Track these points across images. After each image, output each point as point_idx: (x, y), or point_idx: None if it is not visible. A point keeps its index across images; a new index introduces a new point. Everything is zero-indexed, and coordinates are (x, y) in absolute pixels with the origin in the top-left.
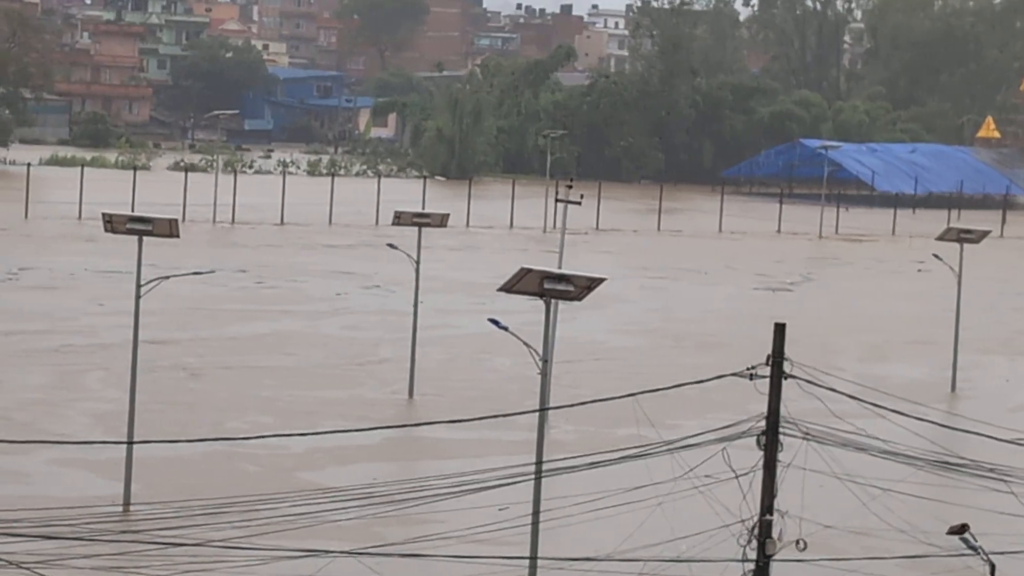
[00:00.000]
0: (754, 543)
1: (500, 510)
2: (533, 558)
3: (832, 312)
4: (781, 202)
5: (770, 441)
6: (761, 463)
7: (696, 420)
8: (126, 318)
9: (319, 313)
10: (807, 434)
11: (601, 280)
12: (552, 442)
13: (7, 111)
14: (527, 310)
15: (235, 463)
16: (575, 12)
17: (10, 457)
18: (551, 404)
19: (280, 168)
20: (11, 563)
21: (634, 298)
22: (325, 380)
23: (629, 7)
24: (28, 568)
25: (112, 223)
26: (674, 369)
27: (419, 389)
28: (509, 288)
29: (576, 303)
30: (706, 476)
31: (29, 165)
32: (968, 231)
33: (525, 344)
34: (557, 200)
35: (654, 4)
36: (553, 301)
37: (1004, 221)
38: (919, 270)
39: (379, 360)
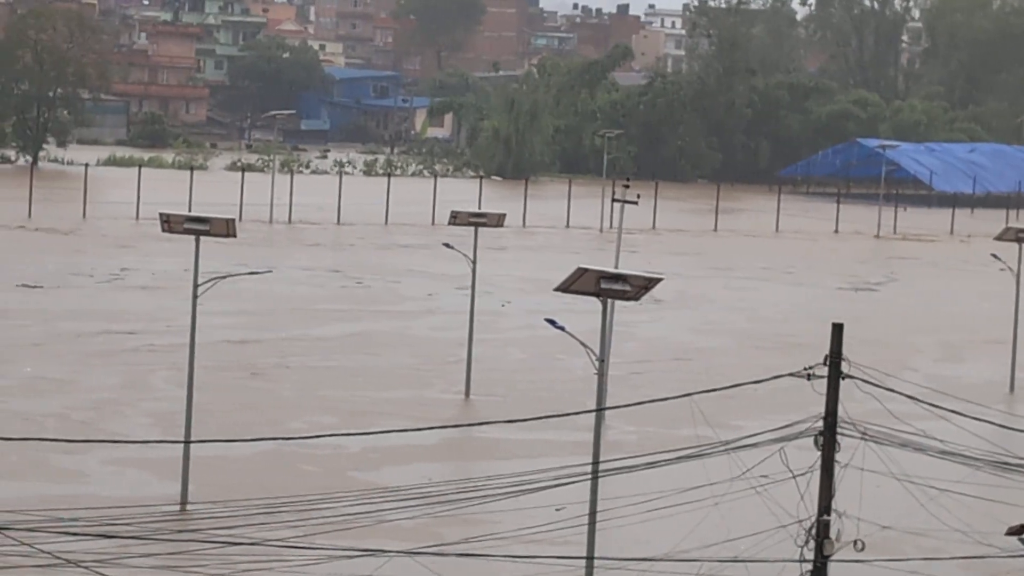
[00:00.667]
0: (811, 543)
1: (557, 510)
2: (590, 558)
3: (916, 312)
4: (839, 202)
5: (828, 441)
6: (819, 463)
7: (762, 420)
8: (220, 318)
9: (411, 313)
10: (864, 434)
11: (658, 280)
12: (611, 443)
13: (65, 112)
14: (621, 310)
15: (292, 463)
16: (632, 12)
17: (68, 456)
18: (614, 404)
19: (336, 168)
20: (70, 562)
21: (720, 298)
22: (394, 380)
23: (686, 6)
24: (87, 567)
25: (169, 223)
26: (753, 370)
27: (488, 389)
28: (566, 288)
29: (664, 303)
30: (762, 476)
31: (87, 166)
32: None
33: (582, 344)
34: (614, 200)
35: (711, 3)
36: (610, 301)
37: None
38: (1001, 270)
39: (456, 360)
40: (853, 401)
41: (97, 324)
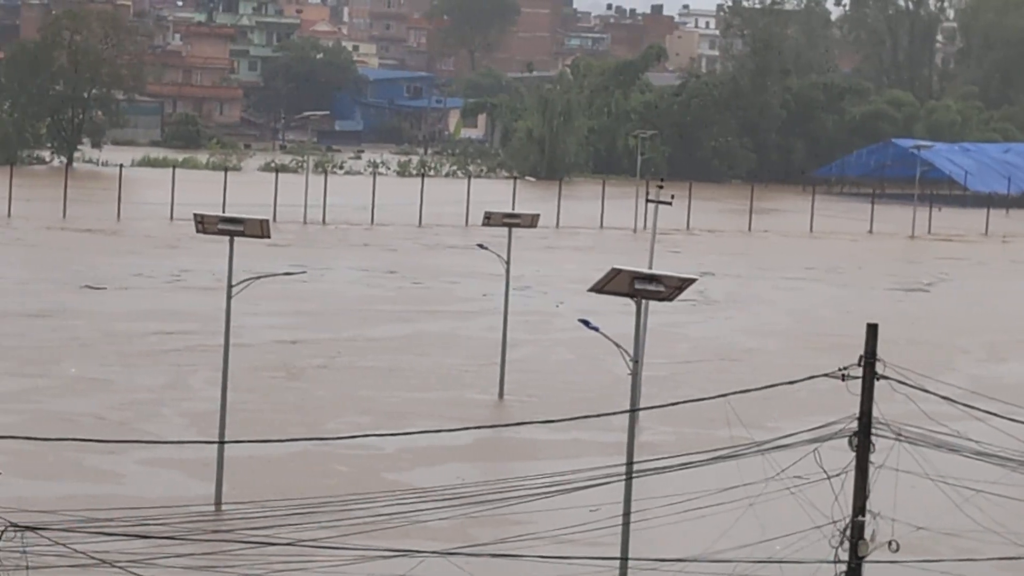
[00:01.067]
0: (846, 544)
1: (591, 511)
2: (624, 559)
3: (965, 312)
4: (873, 202)
5: (862, 442)
6: (853, 464)
7: (802, 421)
8: (275, 319)
9: (466, 314)
10: (899, 435)
11: (692, 280)
12: (646, 444)
13: (100, 113)
14: (674, 311)
15: (326, 463)
16: (666, 12)
17: (103, 457)
18: (653, 405)
19: (370, 169)
20: (104, 562)
21: (771, 298)
22: (433, 381)
23: (720, 7)
24: (121, 567)
25: (204, 223)
26: (801, 371)
27: (527, 390)
28: (599, 288)
29: (717, 304)
30: (795, 477)
31: (121, 166)
32: None
33: (616, 345)
34: (648, 200)
35: (745, 4)
36: (644, 301)
37: None
38: None
39: (506, 361)
40: (894, 402)
41: (153, 324)
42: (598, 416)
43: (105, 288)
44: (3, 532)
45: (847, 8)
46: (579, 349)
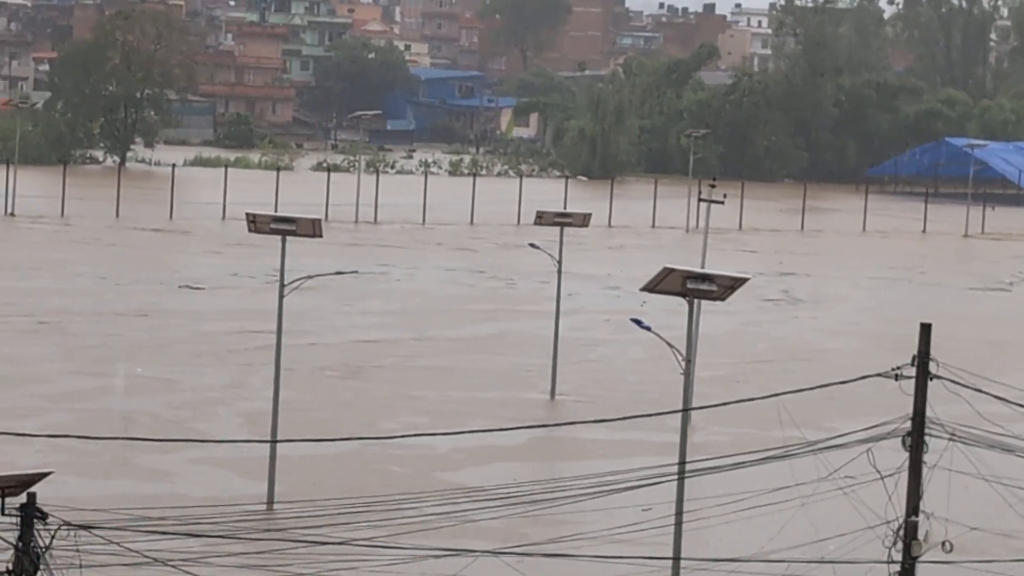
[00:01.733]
0: (899, 545)
1: (644, 511)
2: (676, 559)
3: None
4: (927, 201)
5: (915, 442)
6: (906, 464)
7: (860, 421)
8: (370, 318)
9: (551, 313)
10: (953, 435)
11: (744, 280)
12: (699, 444)
13: (152, 112)
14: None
15: (379, 462)
16: (718, 11)
17: (157, 455)
18: (704, 405)
19: (422, 168)
20: (157, 560)
21: (852, 297)
22: (497, 381)
23: (772, 5)
24: (174, 566)
25: (256, 223)
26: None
27: (587, 390)
28: (652, 288)
29: (802, 303)
30: (846, 477)
31: (174, 166)
32: None
33: (668, 344)
34: (700, 199)
35: (798, 3)
36: (697, 301)
37: None
38: None
39: (577, 361)
40: (951, 403)
41: (241, 324)
42: (647, 416)
43: (203, 288)
44: (57, 531)
45: (900, 6)
46: (654, 349)
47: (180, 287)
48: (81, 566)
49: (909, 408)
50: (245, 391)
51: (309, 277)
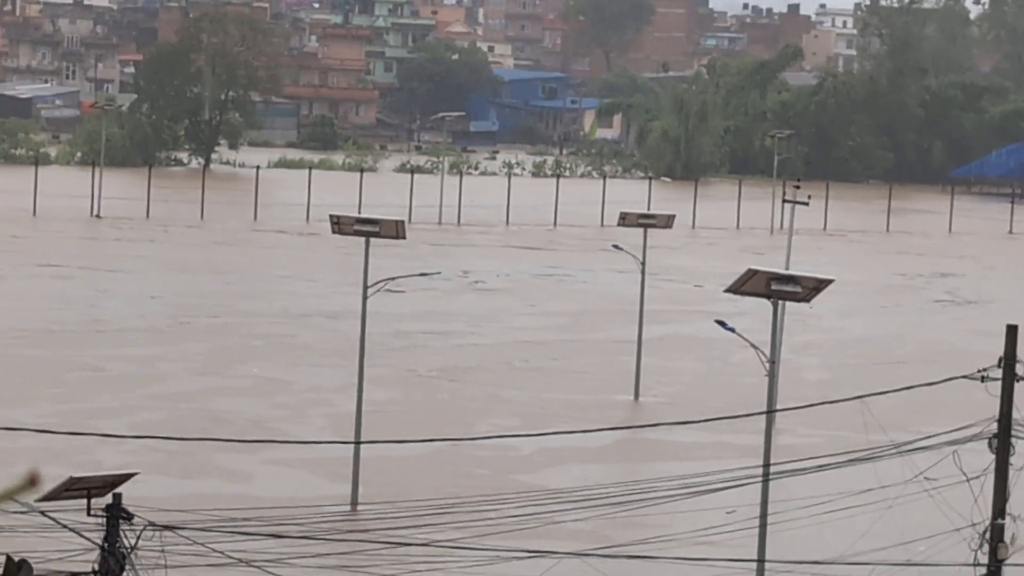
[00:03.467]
0: (985, 547)
1: (727, 513)
2: (761, 560)
3: None
4: (1013, 202)
5: (1002, 444)
6: (993, 466)
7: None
8: (550, 319)
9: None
10: None
11: (829, 281)
12: (785, 446)
13: (237, 114)
14: (923, 311)
15: (464, 464)
16: (802, 11)
17: (242, 456)
18: (788, 407)
19: (505, 169)
20: (242, 561)
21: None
22: (596, 382)
23: (857, 6)
24: (259, 567)
25: (339, 224)
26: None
27: (685, 392)
28: (736, 289)
29: (971, 304)
30: (925, 478)
31: (258, 168)
32: None
33: (752, 346)
34: (784, 201)
35: (883, 3)
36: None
37: None
38: None
39: (672, 361)
40: None
41: (422, 325)
42: (730, 418)
43: (403, 291)
44: (142, 531)
45: (986, 6)
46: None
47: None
48: (167, 567)
49: (995, 410)
50: (350, 394)
51: (392, 279)
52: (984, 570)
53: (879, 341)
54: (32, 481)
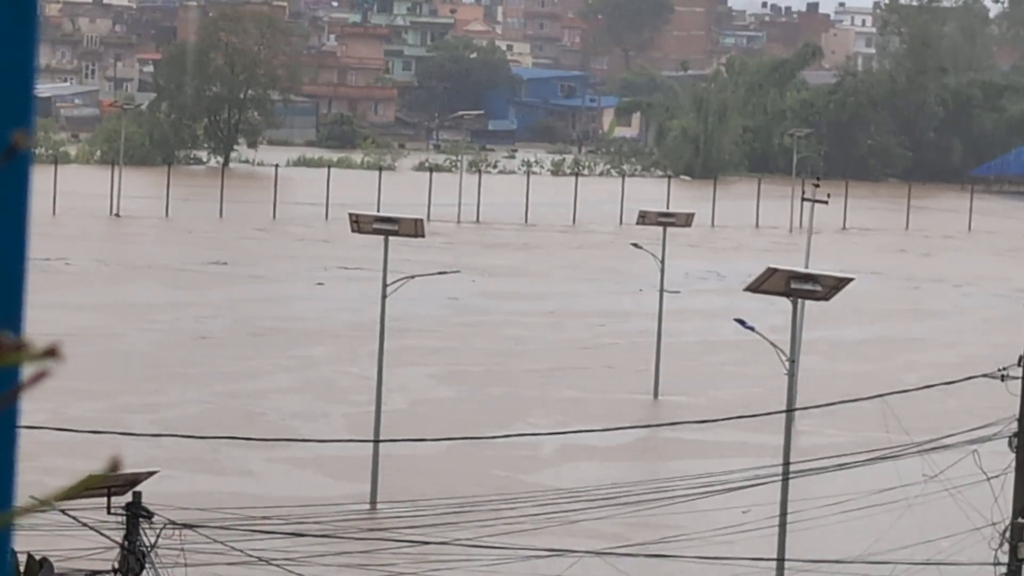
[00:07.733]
0: (1005, 546)
1: (743, 512)
2: (780, 560)
3: None
4: None
5: (1021, 443)
6: (1013, 466)
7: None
8: (562, 319)
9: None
10: None
11: (848, 280)
12: (806, 445)
13: (255, 113)
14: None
15: (483, 463)
16: (822, 10)
17: (262, 453)
18: (808, 406)
19: (524, 168)
20: (262, 560)
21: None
22: (630, 383)
23: (877, 4)
24: (278, 565)
25: (359, 223)
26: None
27: (705, 391)
28: (756, 288)
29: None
30: (941, 477)
31: (277, 166)
32: None
33: (772, 345)
34: (803, 199)
35: (902, 1)
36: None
37: None
38: None
39: (692, 360)
40: None
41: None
42: (748, 417)
43: (679, 292)
44: (162, 530)
45: (1005, 5)
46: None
47: (640, 290)
48: (187, 565)
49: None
50: (394, 392)
51: (411, 277)
52: (1004, 569)
53: (899, 342)
54: (113, 467)
